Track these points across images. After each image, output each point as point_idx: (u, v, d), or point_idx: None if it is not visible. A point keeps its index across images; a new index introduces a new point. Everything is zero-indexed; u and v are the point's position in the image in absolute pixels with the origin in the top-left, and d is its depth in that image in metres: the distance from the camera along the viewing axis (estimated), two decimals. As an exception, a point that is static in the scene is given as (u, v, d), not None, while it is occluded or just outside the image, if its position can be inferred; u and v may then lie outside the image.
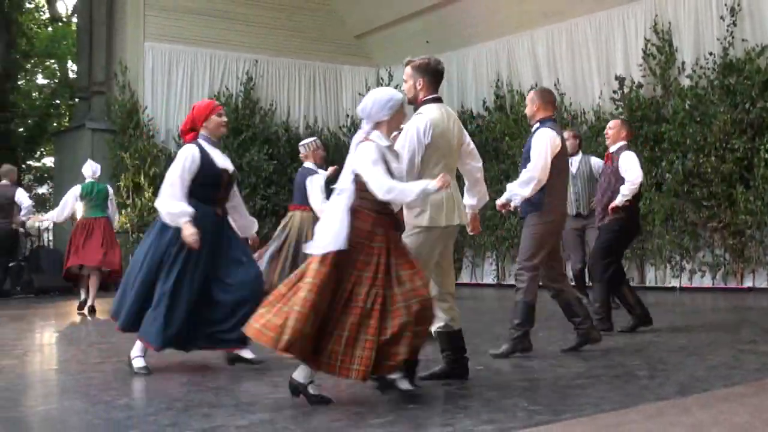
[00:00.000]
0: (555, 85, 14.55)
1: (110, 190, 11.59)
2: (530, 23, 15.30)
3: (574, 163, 9.21)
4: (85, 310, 10.90)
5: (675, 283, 12.97)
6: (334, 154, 17.27)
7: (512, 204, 6.45)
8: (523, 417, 4.14)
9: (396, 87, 16.92)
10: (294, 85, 18.01)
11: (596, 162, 9.47)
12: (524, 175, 6.38)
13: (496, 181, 14.45)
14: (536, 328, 6.91)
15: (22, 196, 12.67)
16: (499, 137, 15.23)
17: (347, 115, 18.01)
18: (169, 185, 5.75)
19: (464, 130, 5.40)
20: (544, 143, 6.34)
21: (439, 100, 5.24)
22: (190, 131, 6.01)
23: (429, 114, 5.07)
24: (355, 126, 17.64)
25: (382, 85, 17.70)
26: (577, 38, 14.70)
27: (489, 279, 15.63)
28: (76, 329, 9.30)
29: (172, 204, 5.69)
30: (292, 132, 17.47)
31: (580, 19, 14.61)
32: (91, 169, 11.37)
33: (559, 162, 6.44)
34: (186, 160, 5.77)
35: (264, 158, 16.55)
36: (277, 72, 17.82)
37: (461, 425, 3.98)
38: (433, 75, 5.20)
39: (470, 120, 16.01)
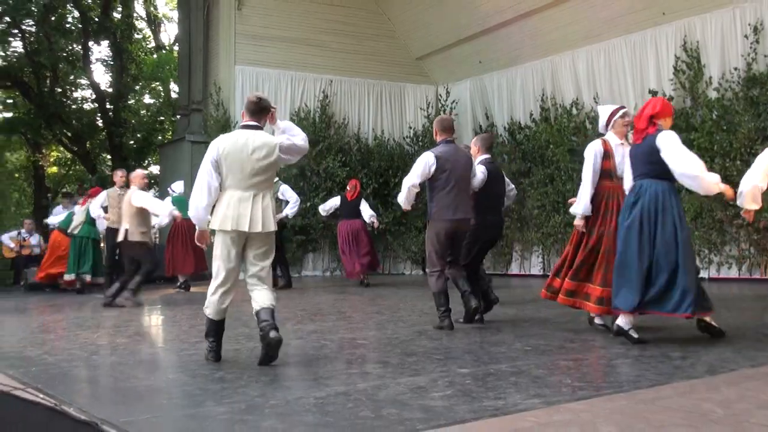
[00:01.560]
0: (594, 98, 14.41)
1: None
2: (572, 44, 15.11)
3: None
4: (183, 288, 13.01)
5: (704, 274, 12.67)
6: (398, 161, 17.34)
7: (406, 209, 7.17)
8: (567, 392, 4.08)
9: (452, 103, 17.08)
10: (364, 101, 18.04)
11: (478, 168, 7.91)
12: None
13: (542, 184, 14.43)
14: (583, 319, 6.84)
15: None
16: (544, 145, 15.04)
17: (410, 127, 17.97)
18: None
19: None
20: (414, 165, 6.94)
21: (250, 127, 5.32)
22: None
23: (229, 135, 5.35)
24: (417, 137, 17.67)
25: (440, 100, 17.75)
26: (613, 57, 14.46)
27: (536, 270, 15.45)
28: (178, 313, 9.45)
29: None
30: (362, 142, 17.55)
31: (617, 40, 14.37)
32: (180, 189, 12.51)
33: (438, 179, 6.82)
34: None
35: (338, 165, 16.66)
36: (349, 90, 17.87)
37: (512, 399, 3.95)
38: (247, 107, 5.37)
39: (519, 130, 15.89)
